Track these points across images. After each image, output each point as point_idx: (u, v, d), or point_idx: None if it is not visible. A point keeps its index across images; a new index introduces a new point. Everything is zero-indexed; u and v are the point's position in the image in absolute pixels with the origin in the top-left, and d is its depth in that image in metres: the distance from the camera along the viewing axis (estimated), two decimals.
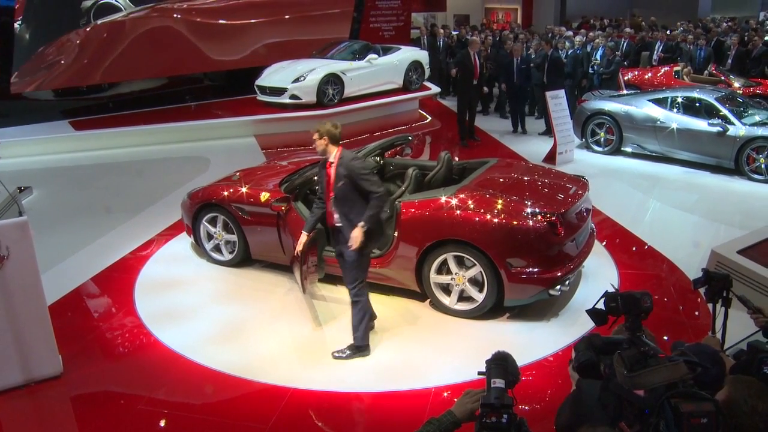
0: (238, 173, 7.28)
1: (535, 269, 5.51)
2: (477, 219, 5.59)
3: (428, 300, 6.00)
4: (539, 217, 5.54)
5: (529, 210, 5.62)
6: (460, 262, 5.70)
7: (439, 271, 5.80)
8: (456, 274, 5.72)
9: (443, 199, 5.83)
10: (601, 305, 2.47)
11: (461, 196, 5.82)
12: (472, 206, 5.69)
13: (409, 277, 5.95)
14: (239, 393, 4.90)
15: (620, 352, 2.18)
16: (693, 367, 2.18)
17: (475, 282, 5.70)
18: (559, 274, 5.58)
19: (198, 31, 14.54)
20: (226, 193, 6.77)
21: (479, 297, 5.67)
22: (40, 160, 11.20)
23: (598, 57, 13.82)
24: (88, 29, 13.49)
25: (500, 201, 5.75)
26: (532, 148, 11.79)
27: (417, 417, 4.45)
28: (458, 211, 5.68)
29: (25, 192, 9.20)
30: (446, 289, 5.85)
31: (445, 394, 4.74)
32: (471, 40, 12.78)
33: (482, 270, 5.56)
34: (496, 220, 5.56)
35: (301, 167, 7.19)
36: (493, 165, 6.71)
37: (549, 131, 12.24)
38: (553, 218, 5.54)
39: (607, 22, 22.65)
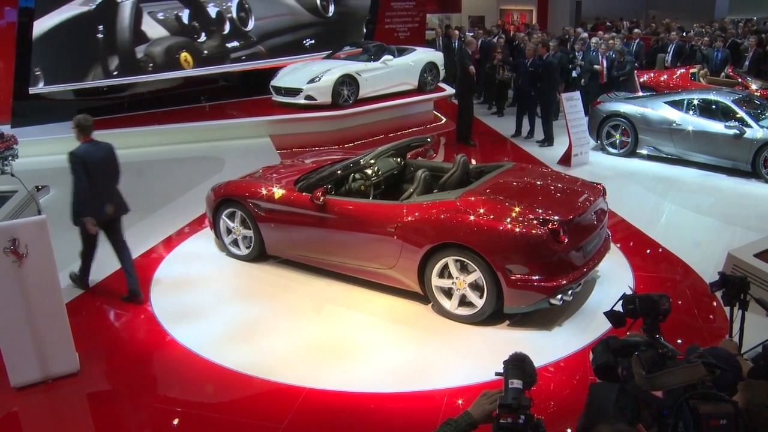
0: (261, 170, 7.44)
1: (536, 277, 5.38)
2: (477, 223, 5.51)
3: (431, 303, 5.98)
4: (541, 224, 5.42)
5: (531, 216, 5.49)
6: (463, 267, 5.64)
7: (441, 275, 5.76)
8: (457, 278, 5.66)
9: (446, 202, 5.80)
10: (619, 307, 2.47)
11: (465, 199, 5.77)
12: (474, 210, 5.62)
13: (412, 280, 5.93)
14: (253, 392, 4.93)
15: (638, 354, 2.18)
16: (711, 369, 2.17)
17: (476, 287, 5.63)
18: (563, 282, 5.45)
19: None
20: (243, 189, 6.90)
21: (479, 303, 5.59)
22: (57, 159, 11.17)
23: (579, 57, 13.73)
24: None
25: (503, 206, 5.65)
26: (548, 150, 11.74)
27: (431, 418, 4.45)
28: (460, 215, 5.61)
29: (42, 191, 9.30)
30: (448, 293, 5.79)
31: (460, 401, 4.72)
32: (468, 41, 12.79)
33: (482, 275, 5.49)
34: (496, 225, 5.47)
35: (321, 165, 7.25)
36: (507, 169, 6.63)
37: (547, 139, 12.16)
38: (556, 225, 5.41)
39: (627, 23, 22.52)
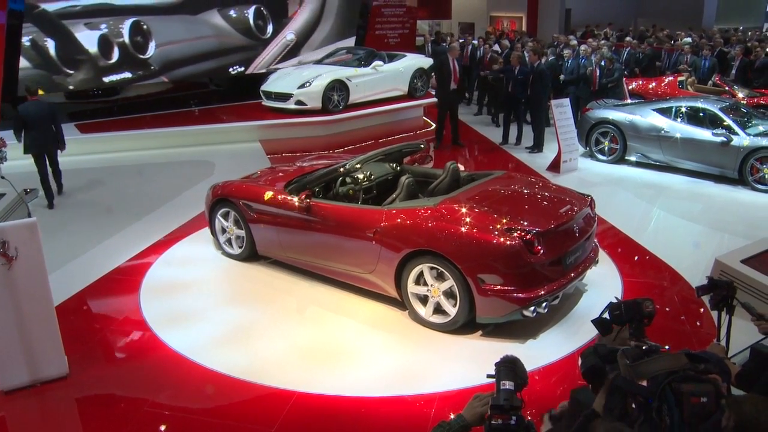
0: (259, 171, 7.59)
1: (509, 287, 5.30)
2: (451, 231, 5.48)
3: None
4: (515, 234, 5.33)
5: (507, 226, 5.41)
6: (439, 275, 5.61)
7: (417, 282, 5.75)
8: (432, 285, 5.64)
9: (425, 208, 5.80)
10: (606, 315, 2.51)
11: (443, 207, 5.74)
12: (450, 218, 5.59)
13: (390, 285, 5.92)
14: (244, 396, 4.92)
15: (623, 349, 2.21)
16: (695, 361, 2.21)
17: (451, 295, 5.58)
18: (539, 293, 5.37)
19: None
20: (236, 189, 7.06)
21: (452, 311, 5.56)
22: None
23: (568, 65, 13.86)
24: None
25: (480, 215, 5.61)
26: (537, 158, 11.80)
27: (422, 422, 4.47)
28: (435, 222, 5.59)
29: (31, 194, 9.21)
30: (424, 300, 5.77)
31: (450, 411, 4.74)
32: (451, 47, 12.89)
33: (455, 283, 5.44)
34: (469, 233, 5.43)
35: (316, 169, 7.27)
36: (495, 177, 6.60)
37: (537, 146, 12.24)
38: (530, 236, 5.32)
39: (613, 32, 22.69)
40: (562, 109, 10.97)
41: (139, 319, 6.02)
